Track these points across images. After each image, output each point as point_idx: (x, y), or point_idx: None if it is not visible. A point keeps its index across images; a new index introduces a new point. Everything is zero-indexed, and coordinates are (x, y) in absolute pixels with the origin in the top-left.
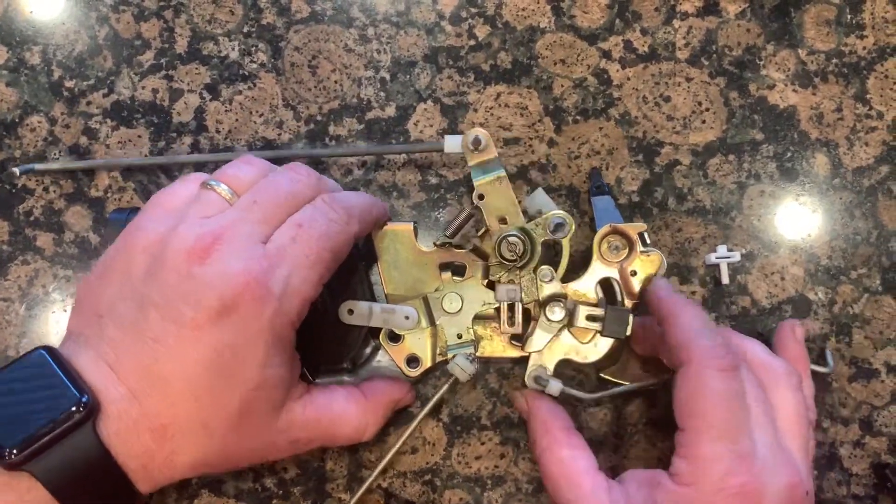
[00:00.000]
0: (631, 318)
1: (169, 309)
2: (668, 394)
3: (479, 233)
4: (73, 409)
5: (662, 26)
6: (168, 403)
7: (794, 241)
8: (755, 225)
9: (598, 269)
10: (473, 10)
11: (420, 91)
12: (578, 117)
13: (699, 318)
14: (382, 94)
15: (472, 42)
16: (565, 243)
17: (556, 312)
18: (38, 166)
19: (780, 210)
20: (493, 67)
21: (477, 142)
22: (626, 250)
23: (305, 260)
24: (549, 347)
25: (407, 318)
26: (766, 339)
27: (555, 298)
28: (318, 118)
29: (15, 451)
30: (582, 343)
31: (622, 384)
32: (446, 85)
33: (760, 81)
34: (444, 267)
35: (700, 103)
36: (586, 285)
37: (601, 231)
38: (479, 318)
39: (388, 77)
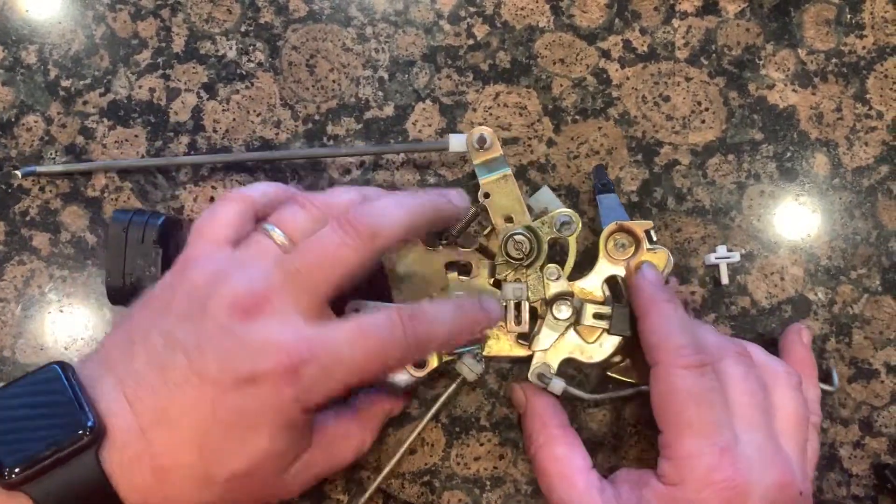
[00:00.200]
0: (630, 315)
1: (198, 359)
2: None
3: (485, 232)
4: (80, 433)
5: (662, 26)
6: (174, 449)
7: (793, 241)
8: (755, 225)
9: (605, 267)
10: (472, 10)
11: (418, 90)
12: (577, 117)
13: (669, 318)
14: (381, 93)
15: (471, 41)
16: (572, 241)
17: (563, 311)
18: (39, 168)
19: (779, 210)
20: (491, 67)
21: (482, 140)
22: (633, 248)
23: (342, 366)
24: (554, 346)
25: None
26: (768, 341)
27: (561, 297)
28: (316, 118)
29: (16, 472)
30: (587, 343)
31: (627, 381)
32: (445, 84)
33: (760, 81)
34: (450, 266)
35: (699, 103)
36: (593, 283)
37: (607, 229)
38: None
39: (386, 76)
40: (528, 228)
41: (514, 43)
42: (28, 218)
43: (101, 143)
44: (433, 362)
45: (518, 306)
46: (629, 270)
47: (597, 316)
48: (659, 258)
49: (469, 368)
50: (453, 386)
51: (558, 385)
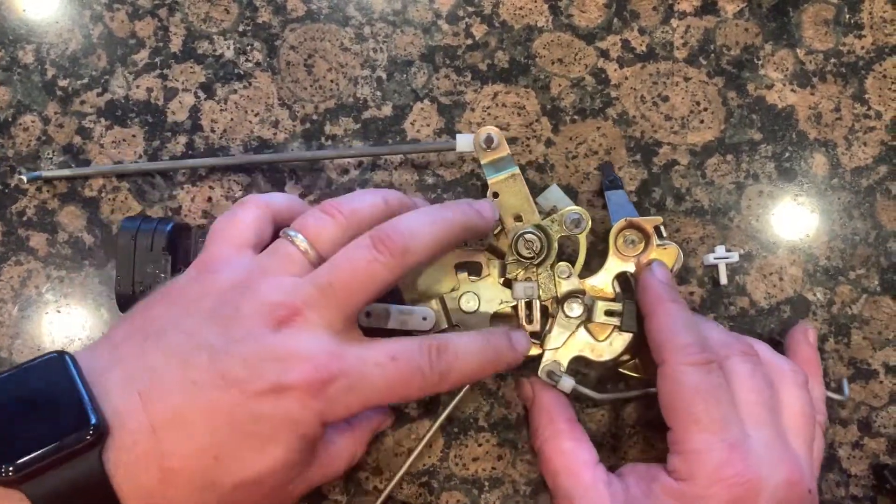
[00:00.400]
0: (638, 312)
1: (224, 360)
2: None
3: (495, 231)
4: (83, 432)
5: (660, 26)
6: (186, 451)
7: (792, 241)
8: (753, 225)
9: (615, 264)
10: (470, 9)
11: (417, 90)
12: (576, 117)
13: (675, 317)
14: (379, 93)
15: (470, 41)
16: (582, 238)
17: (575, 308)
18: (45, 173)
19: (778, 210)
20: (490, 67)
21: (489, 140)
22: (643, 244)
23: (368, 387)
24: (565, 344)
25: (425, 318)
26: (767, 341)
27: (573, 294)
28: (314, 118)
29: (11, 470)
30: (598, 341)
31: (637, 377)
32: (443, 84)
33: (759, 81)
34: (459, 267)
35: (698, 103)
36: (603, 280)
37: (617, 225)
38: (497, 317)
39: (384, 76)
40: (538, 227)
41: (512, 43)
42: (25, 218)
43: (98, 142)
44: None
45: (529, 305)
46: (639, 267)
47: (608, 313)
48: (669, 254)
49: None
50: (465, 388)
51: (568, 383)
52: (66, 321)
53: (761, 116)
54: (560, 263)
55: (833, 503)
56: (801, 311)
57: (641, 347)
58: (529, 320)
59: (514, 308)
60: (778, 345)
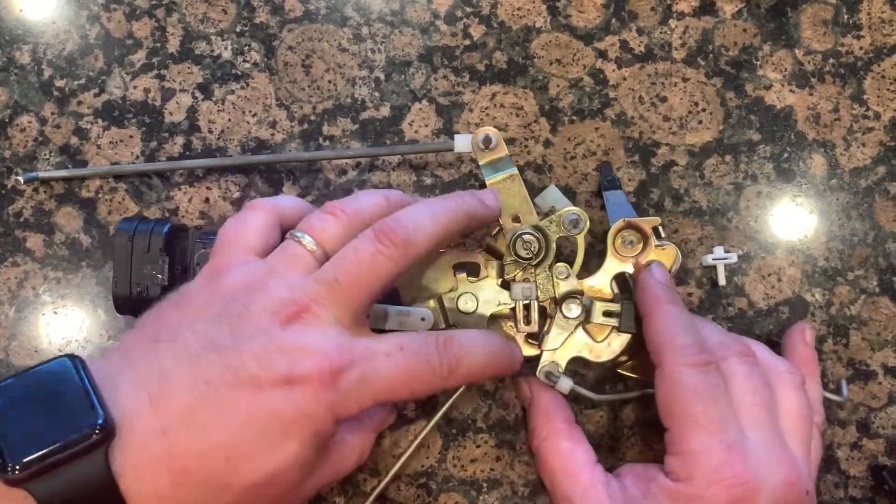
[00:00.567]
0: (636, 313)
1: (234, 357)
2: None
3: (493, 232)
4: (89, 430)
5: (658, 26)
6: (198, 452)
7: (791, 242)
8: (752, 226)
9: (613, 265)
10: (468, 10)
11: (415, 91)
12: (574, 118)
13: (674, 318)
14: (377, 93)
15: (468, 42)
16: (580, 239)
17: (573, 309)
18: (42, 174)
19: (776, 211)
20: (488, 67)
21: (488, 140)
22: (641, 245)
23: (379, 379)
24: (563, 345)
25: (423, 319)
26: (765, 342)
27: (571, 295)
28: (312, 118)
29: (18, 468)
30: (596, 342)
31: (636, 378)
32: (441, 85)
33: (757, 82)
34: (458, 267)
35: (696, 104)
36: (601, 281)
37: (615, 226)
38: (495, 318)
39: (382, 77)
40: (537, 228)
41: (510, 43)
42: (22, 219)
43: (95, 143)
44: None
45: (527, 306)
46: (637, 267)
47: (607, 314)
48: (667, 255)
49: None
50: (462, 389)
51: (566, 384)
52: (62, 322)
53: (760, 117)
54: (558, 264)
55: None
56: (800, 312)
57: (639, 348)
58: (527, 321)
59: (513, 309)
60: (776, 345)
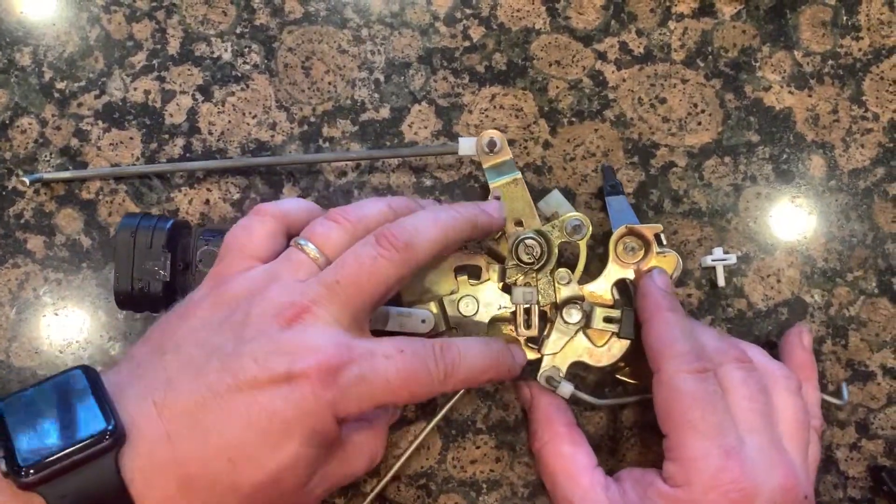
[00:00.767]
0: (634, 318)
1: (235, 361)
2: None
3: (496, 235)
4: (99, 436)
5: (658, 28)
6: (202, 456)
7: (790, 243)
8: (751, 227)
9: (614, 271)
10: (468, 12)
11: (414, 92)
12: (574, 119)
13: (672, 325)
14: (376, 95)
15: (467, 43)
16: (582, 245)
17: (574, 315)
18: (46, 175)
19: (775, 212)
20: (487, 69)
21: (492, 144)
22: (643, 251)
23: (378, 379)
24: (563, 349)
25: (423, 321)
26: (764, 343)
27: (572, 301)
28: (312, 120)
29: (32, 472)
30: (597, 346)
31: (633, 383)
32: (441, 86)
33: (756, 83)
34: (459, 270)
35: (696, 105)
36: (602, 287)
37: (617, 232)
38: (495, 321)
39: (382, 78)
40: (539, 232)
41: (510, 45)
42: (23, 221)
43: (95, 145)
44: None
45: (528, 310)
46: (638, 274)
47: (607, 319)
48: (668, 262)
49: None
50: (462, 391)
51: (567, 389)
52: (63, 324)
53: (759, 118)
54: (560, 269)
55: None
56: (799, 313)
57: (637, 355)
58: (528, 325)
59: (513, 313)
60: (775, 347)
